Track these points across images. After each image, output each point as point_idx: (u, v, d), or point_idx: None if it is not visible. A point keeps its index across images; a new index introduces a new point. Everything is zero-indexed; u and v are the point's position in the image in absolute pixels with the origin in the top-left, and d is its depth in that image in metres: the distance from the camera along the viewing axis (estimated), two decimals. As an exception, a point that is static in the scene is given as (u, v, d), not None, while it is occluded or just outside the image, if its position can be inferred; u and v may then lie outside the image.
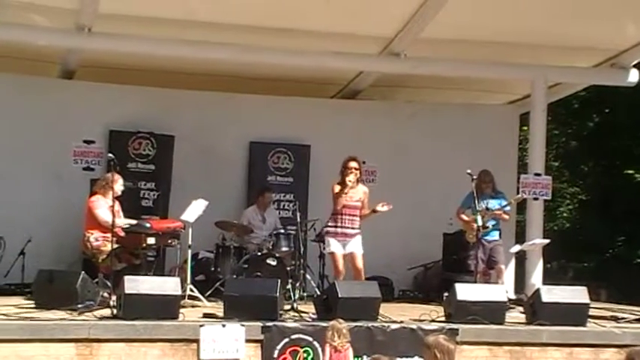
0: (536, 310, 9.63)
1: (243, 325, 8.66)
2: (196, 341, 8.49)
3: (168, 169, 12.97)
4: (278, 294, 9.07)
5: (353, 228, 10.38)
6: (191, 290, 10.24)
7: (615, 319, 10.37)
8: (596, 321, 9.93)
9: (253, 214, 12.34)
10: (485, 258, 11.14)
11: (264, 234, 11.91)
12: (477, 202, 10.59)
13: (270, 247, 11.44)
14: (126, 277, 8.76)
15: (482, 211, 10.76)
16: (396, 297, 12.42)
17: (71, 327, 8.28)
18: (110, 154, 10.07)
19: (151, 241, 10.29)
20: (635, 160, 20.60)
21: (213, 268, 11.52)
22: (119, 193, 10.44)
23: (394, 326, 9.12)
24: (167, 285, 8.94)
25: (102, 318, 8.63)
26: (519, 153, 15.24)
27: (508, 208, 11.46)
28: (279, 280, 9.40)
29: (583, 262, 21.77)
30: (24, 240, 11.32)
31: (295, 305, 9.79)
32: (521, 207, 13.13)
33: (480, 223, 10.56)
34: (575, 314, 9.59)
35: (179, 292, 8.99)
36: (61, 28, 11.29)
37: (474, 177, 10.55)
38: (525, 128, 15.17)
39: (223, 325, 8.63)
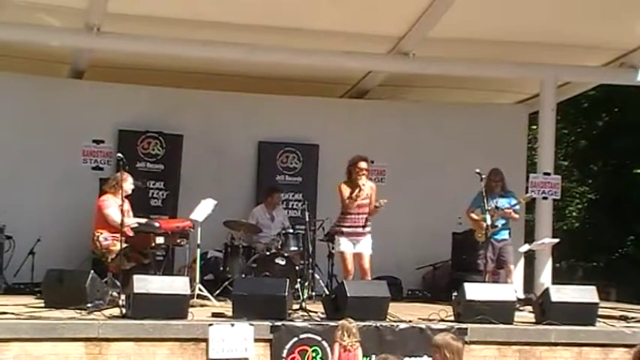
0: (546, 310, 9.61)
1: (252, 325, 8.66)
2: (205, 340, 8.50)
3: (177, 168, 12.99)
4: (287, 293, 9.07)
5: (364, 227, 10.38)
6: (200, 290, 10.25)
7: (625, 318, 10.34)
8: (606, 320, 9.92)
9: (262, 213, 12.33)
10: (494, 257, 11.09)
11: (273, 233, 11.90)
12: (486, 201, 10.57)
13: (279, 247, 11.44)
14: (135, 277, 8.77)
15: (491, 210, 10.73)
16: (405, 296, 12.39)
17: (80, 326, 8.29)
18: (119, 154, 10.07)
19: (160, 240, 10.32)
20: (644, 160, 20.57)
21: (222, 268, 11.52)
22: (129, 191, 10.46)
23: (403, 326, 9.11)
24: (176, 284, 8.94)
25: (111, 317, 8.64)
26: (528, 152, 15.22)
27: (518, 207, 11.42)
28: (288, 280, 9.40)
29: (592, 262, 21.74)
30: (33, 239, 11.33)
31: (304, 305, 9.76)
32: (531, 206, 13.09)
33: (489, 222, 10.54)
34: (584, 314, 9.57)
35: (188, 292, 8.98)
36: (70, 28, 11.34)
37: (483, 176, 10.52)
38: (534, 127, 15.12)
39: (232, 325, 8.63)
